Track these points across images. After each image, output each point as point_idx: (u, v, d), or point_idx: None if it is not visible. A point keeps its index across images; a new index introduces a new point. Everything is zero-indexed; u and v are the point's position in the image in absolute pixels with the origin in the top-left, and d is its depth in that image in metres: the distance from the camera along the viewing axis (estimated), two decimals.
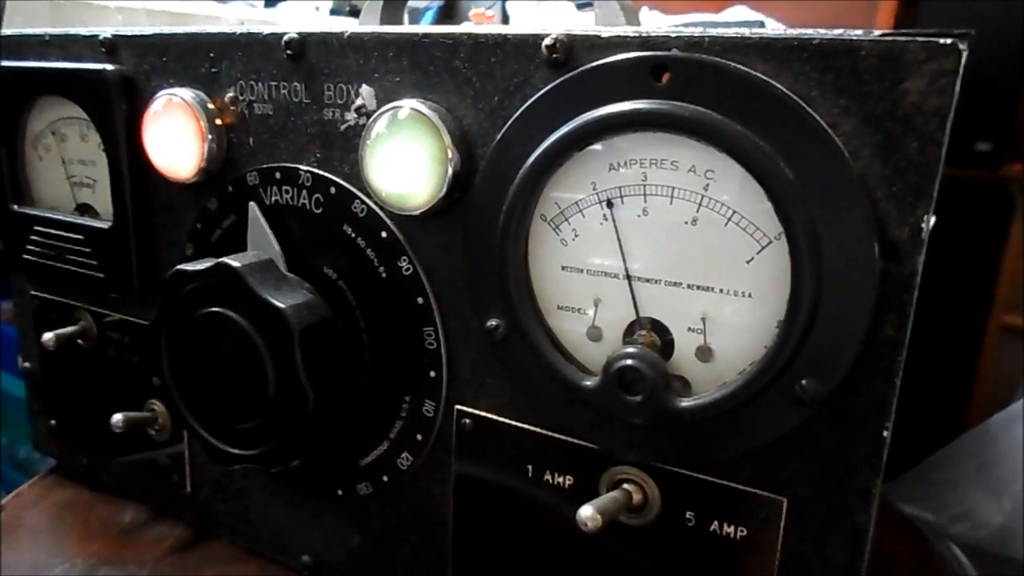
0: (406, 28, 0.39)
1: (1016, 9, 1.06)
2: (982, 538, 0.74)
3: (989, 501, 0.76)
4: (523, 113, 0.36)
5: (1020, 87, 1.08)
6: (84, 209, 0.54)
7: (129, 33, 0.48)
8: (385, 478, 0.45)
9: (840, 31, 0.30)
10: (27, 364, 0.62)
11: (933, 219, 0.30)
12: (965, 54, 0.28)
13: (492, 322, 0.39)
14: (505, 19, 1.02)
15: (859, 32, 0.29)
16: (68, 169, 0.54)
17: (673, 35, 0.32)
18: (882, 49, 0.29)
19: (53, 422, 0.61)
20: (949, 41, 0.28)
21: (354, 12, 1.28)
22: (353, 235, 0.43)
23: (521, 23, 0.99)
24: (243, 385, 0.41)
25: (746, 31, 0.31)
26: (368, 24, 0.48)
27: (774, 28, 0.88)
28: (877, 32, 0.29)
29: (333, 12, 1.30)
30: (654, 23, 0.91)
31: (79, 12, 0.71)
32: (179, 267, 0.42)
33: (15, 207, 0.56)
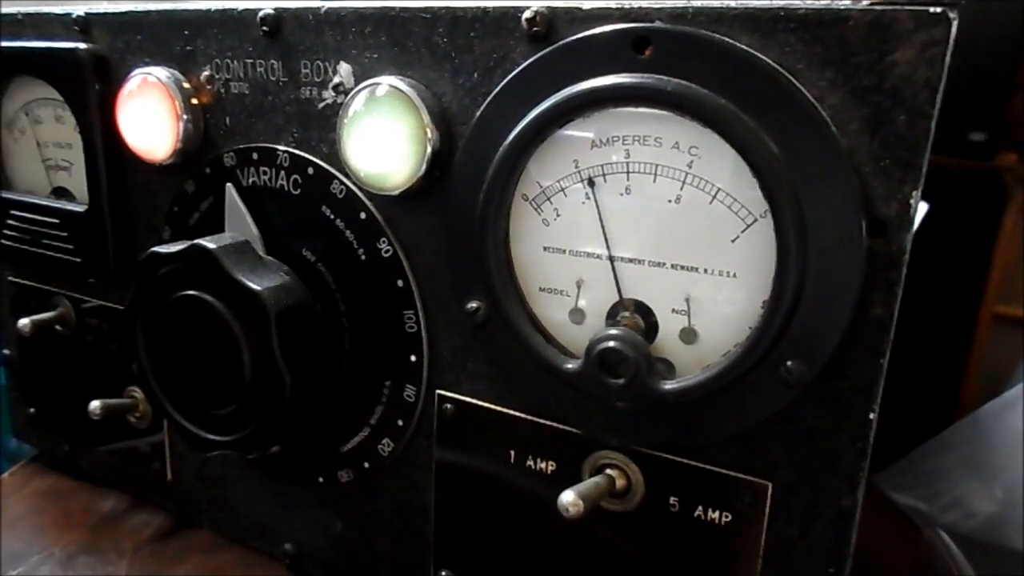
0: (384, 2, 0.38)
1: None
2: (974, 527, 0.74)
3: (981, 489, 0.76)
4: (503, 89, 0.35)
5: (1014, 76, 1.07)
6: (60, 192, 0.53)
7: (102, 11, 0.47)
8: (366, 465, 0.44)
9: (827, 1, 0.29)
10: (6, 351, 0.61)
11: (924, 205, 0.29)
12: (956, 23, 0.27)
13: (472, 304, 0.38)
14: None
15: (847, 2, 0.28)
16: (43, 152, 0.53)
17: (656, 6, 0.31)
18: (870, 19, 0.28)
19: (32, 410, 0.60)
20: (939, 9, 0.27)
21: None
22: (332, 217, 0.42)
23: None
24: (220, 370, 0.40)
25: (732, 2, 0.30)
26: None
27: None
28: (865, 1, 0.28)
29: None
30: None
31: None
32: (153, 249, 0.41)
33: None
